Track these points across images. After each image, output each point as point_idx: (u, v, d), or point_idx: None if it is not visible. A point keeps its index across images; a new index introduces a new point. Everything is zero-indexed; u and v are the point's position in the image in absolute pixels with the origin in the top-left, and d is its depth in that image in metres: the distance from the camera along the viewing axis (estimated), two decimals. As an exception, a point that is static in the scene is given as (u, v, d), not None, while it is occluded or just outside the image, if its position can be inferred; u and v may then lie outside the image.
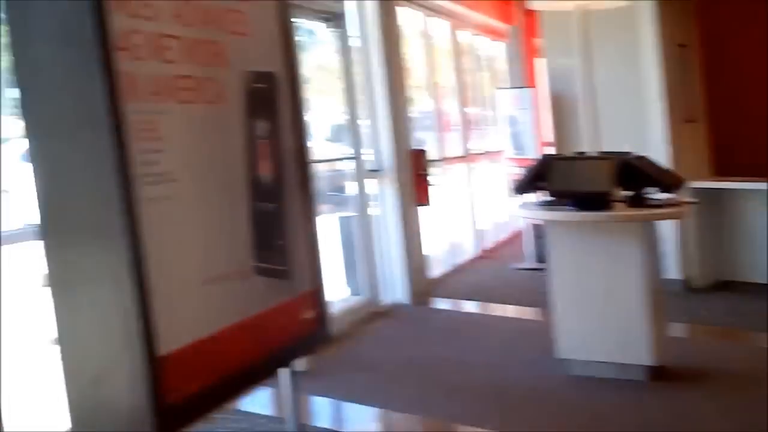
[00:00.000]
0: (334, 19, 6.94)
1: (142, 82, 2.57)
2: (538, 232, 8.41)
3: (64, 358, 2.58)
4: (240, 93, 3.09)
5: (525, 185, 5.26)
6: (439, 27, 9.87)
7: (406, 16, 8.45)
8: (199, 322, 2.77)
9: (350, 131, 7.13)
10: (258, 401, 4.71)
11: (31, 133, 2.54)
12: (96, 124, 2.41)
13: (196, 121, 2.84)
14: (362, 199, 7.16)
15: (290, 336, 3.35)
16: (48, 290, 2.58)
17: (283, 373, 3.48)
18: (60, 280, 2.56)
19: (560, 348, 5.09)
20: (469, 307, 7.59)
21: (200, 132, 2.86)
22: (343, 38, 7.03)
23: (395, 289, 7.41)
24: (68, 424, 2.61)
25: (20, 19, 2.51)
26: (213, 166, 2.91)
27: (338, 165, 7.31)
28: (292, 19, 3.53)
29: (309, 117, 3.63)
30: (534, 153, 8.98)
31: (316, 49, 7.40)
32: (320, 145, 7.53)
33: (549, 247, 5.16)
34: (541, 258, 7.97)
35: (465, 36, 10.78)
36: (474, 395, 4.93)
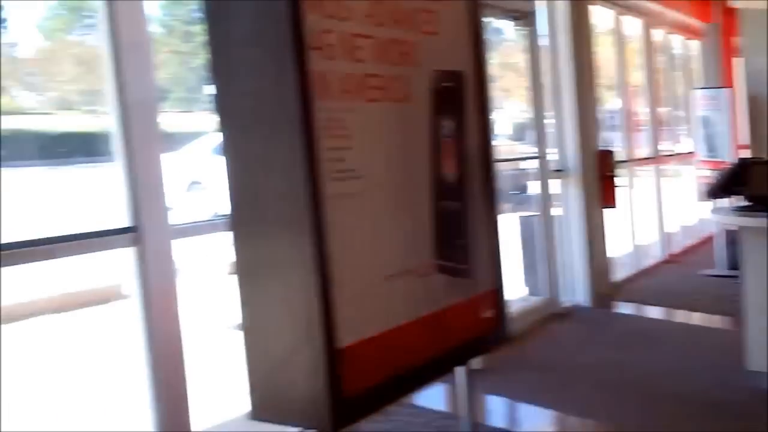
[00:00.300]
0: (524, 17, 6.87)
1: (333, 80, 2.63)
2: (731, 237, 8.04)
3: (247, 345, 2.67)
4: (427, 92, 3.11)
5: (719, 189, 5.07)
6: (632, 25, 9.62)
7: (597, 14, 8.28)
8: (379, 316, 2.81)
9: (535, 130, 7.05)
10: (432, 397, 4.74)
11: (224, 127, 2.65)
12: (287, 121, 2.48)
13: (383, 120, 2.88)
14: (545, 199, 7.07)
15: (468, 334, 3.35)
16: (234, 278, 2.68)
17: (459, 371, 3.49)
18: (247, 270, 2.66)
19: (751, 359, 4.87)
20: (653, 312, 7.35)
21: (386, 130, 2.90)
22: (532, 37, 6.95)
23: (576, 291, 7.29)
24: (248, 408, 2.71)
25: (218, 19, 2.62)
26: (398, 164, 2.95)
27: (520, 164, 7.25)
28: (482, 19, 3.53)
29: (493, 116, 3.61)
30: (729, 156, 8.60)
31: (502, 48, 7.37)
32: (502, 143, 7.50)
33: (743, 254, 4.94)
34: (733, 265, 7.64)
35: (658, 34, 10.45)
36: (653, 404, 4.78)
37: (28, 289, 8.18)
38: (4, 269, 3.11)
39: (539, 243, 7.06)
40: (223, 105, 2.65)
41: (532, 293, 7.13)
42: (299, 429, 3.50)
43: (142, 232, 3.47)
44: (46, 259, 3.23)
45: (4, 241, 3.07)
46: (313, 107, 2.50)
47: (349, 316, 2.61)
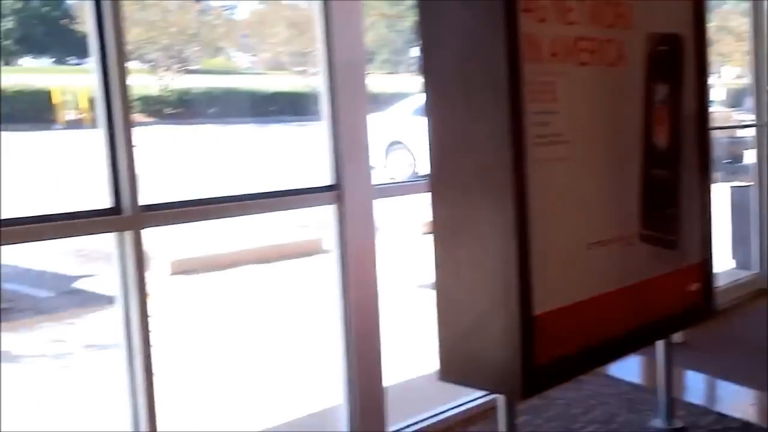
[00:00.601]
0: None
1: (542, 43, 2.58)
2: None
3: (439, 306, 2.69)
4: (641, 55, 3.00)
5: None
6: None
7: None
8: (578, 285, 2.76)
9: (754, 97, 6.66)
10: (627, 368, 4.62)
11: (428, 89, 2.66)
12: (494, 83, 2.46)
13: (593, 84, 2.81)
14: (763, 169, 6.68)
15: (671, 307, 3.24)
16: (430, 239, 2.70)
17: (659, 344, 3.39)
18: (444, 231, 2.67)
19: None
20: None
21: (596, 94, 2.83)
22: (758, -2, 6.54)
23: (791, 268, 6.89)
24: (437, 368, 2.73)
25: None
26: (606, 129, 2.87)
27: (736, 132, 6.88)
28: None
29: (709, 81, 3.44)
30: None
31: (719, 11, 6.99)
32: (716, 110, 7.14)
33: None
34: None
35: None
36: None
37: (237, 241, 8.63)
38: (218, 221, 3.29)
39: (753, 215, 6.71)
40: (428, 67, 2.66)
41: (741, 267, 6.79)
42: (486, 393, 3.50)
43: (345, 190, 3.54)
44: (255, 213, 3.36)
45: (219, 194, 3.22)
46: (521, 70, 2.46)
47: (547, 283, 2.58)
